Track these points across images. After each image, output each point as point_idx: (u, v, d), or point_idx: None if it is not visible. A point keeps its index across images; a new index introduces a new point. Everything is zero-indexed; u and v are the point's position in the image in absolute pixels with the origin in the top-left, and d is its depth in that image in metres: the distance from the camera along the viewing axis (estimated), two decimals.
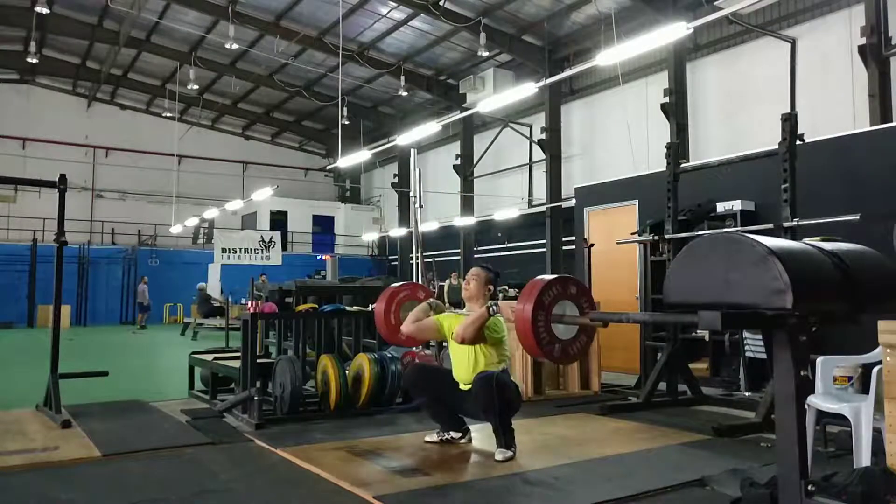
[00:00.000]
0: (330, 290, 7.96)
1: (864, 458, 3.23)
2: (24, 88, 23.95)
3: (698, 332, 6.11)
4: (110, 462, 4.09)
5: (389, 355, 5.73)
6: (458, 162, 20.97)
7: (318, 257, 24.27)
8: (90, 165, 24.77)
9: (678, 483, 3.60)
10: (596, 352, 6.78)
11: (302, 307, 6.35)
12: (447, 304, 5.38)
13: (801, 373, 2.55)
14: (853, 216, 4.93)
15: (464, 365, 4.36)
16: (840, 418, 3.47)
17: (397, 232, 22.46)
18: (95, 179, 24.83)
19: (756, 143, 7.37)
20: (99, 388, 6.44)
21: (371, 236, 26.41)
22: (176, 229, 21.89)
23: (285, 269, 19.48)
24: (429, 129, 13.52)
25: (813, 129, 6.05)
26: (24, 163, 22.47)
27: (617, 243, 7.27)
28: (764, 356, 5.61)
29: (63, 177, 5.64)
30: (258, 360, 5.49)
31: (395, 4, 16.40)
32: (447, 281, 16.41)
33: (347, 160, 15.82)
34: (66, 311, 18.03)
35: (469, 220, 20.13)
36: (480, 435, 4.56)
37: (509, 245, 20.51)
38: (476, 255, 20.47)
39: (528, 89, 11.14)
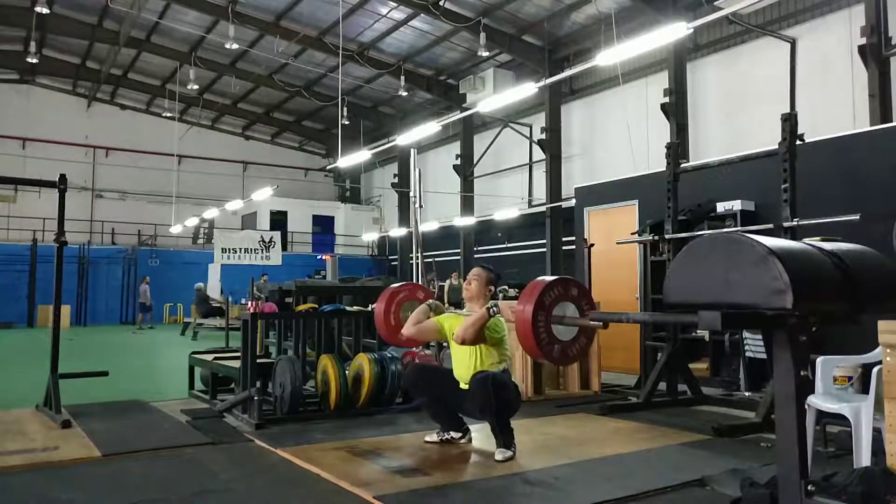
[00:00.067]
0: (330, 290, 7.95)
1: (864, 458, 3.23)
2: (24, 88, 23.95)
3: (698, 332, 6.11)
4: (110, 462, 4.09)
5: (389, 355, 5.73)
6: (458, 162, 20.96)
7: (318, 257, 24.24)
8: (90, 165, 24.77)
9: (678, 483, 3.60)
10: (596, 352, 6.78)
11: (302, 307, 6.35)
12: (447, 305, 5.38)
13: (801, 373, 2.55)
14: (853, 216, 4.93)
15: (464, 364, 4.36)
16: (840, 418, 3.47)
17: (397, 232, 22.45)
18: (95, 179, 24.83)
19: (756, 143, 7.37)
20: (99, 388, 6.45)
21: (371, 236, 26.40)
22: (176, 229, 21.89)
23: (285, 269, 19.45)
24: (429, 129, 13.52)
25: (813, 129, 6.05)
26: (24, 163, 22.47)
27: (617, 243, 7.27)
28: (764, 356, 5.61)
29: (63, 177, 5.64)
30: (258, 360, 5.49)
31: (395, 4, 16.39)
32: (447, 281, 16.41)
33: (347, 160, 15.82)
34: (66, 311, 18.03)
35: (469, 220, 20.12)
36: (480, 435, 4.56)
37: (509, 245, 20.50)
38: (476, 256, 20.46)
39: (528, 89, 11.13)
